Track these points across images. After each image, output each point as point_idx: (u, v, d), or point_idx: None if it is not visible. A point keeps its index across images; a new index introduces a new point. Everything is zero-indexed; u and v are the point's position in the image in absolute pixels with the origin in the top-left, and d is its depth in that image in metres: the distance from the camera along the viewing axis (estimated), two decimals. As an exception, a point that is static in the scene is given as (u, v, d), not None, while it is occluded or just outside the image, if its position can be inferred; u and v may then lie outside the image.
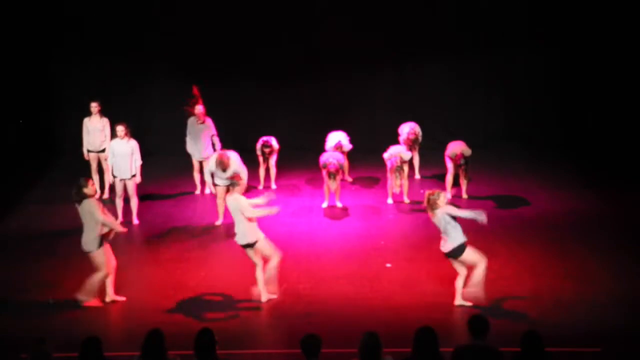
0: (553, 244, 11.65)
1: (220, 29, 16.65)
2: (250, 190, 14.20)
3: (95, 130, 13.82)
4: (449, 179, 13.75)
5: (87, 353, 6.57)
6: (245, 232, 9.73)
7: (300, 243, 11.87)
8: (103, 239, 9.71)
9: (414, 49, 16.78)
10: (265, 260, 9.90)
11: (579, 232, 12.18)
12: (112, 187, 13.04)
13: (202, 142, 13.90)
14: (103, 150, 13.63)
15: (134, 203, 12.75)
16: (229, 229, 12.55)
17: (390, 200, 13.64)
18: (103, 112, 13.82)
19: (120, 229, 10.08)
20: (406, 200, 13.69)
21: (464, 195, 13.72)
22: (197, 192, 14.26)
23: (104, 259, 9.70)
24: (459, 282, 9.66)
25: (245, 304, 9.90)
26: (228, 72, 16.77)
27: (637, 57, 15.89)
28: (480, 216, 9.48)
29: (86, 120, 13.87)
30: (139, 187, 12.76)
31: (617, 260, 11.03)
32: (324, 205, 13.47)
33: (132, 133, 12.82)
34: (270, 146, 14.12)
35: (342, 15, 16.60)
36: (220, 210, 12.61)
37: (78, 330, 8.73)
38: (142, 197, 13.15)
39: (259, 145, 14.16)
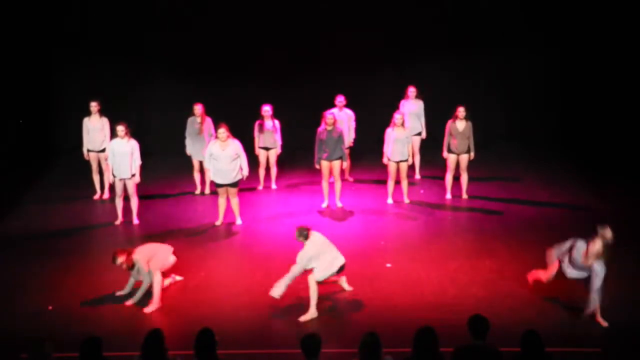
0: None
1: (220, 29, 16.69)
2: (250, 191, 14.24)
3: (95, 129, 13.83)
4: (449, 178, 13.76)
5: (87, 353, 6.57)
6: None
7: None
8: None
9: (414, 48, 16.80)
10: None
11: (578, 232, 12.12)
12: (112, 187, 13.05)
13: (201, 142, 13.90)
14: (103, 150, 13.64)
15: (134, 203, 12.76)
16: (229, 229, 12.58)
17: (390, 200, 13.64)
18: (103, 112, 13.84)
19: None
20: (406, 200, 13.69)
21: (464, 195, 13.73)
22: (197, 192, 14.26)
23: None
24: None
25: (246, 304, 9.90)
26: (228, 71, 16.79)
27: (636, 57, 15.89)
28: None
29: (86, 120, 13.88)
30: (139, 187, 12.76)
31: (617, 260, 11.01)
32: (324, 205, 13.47)
33: (132, 133, 12.83)
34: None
35: (343, 15, 16.62)
36: (221, 210, 12.61)
37: (78, 330, 8.73)
38: (142, 197, 13.15)
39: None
